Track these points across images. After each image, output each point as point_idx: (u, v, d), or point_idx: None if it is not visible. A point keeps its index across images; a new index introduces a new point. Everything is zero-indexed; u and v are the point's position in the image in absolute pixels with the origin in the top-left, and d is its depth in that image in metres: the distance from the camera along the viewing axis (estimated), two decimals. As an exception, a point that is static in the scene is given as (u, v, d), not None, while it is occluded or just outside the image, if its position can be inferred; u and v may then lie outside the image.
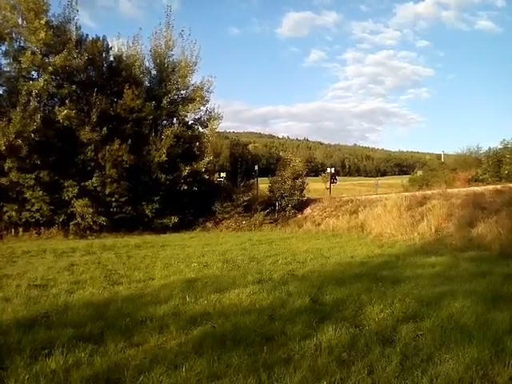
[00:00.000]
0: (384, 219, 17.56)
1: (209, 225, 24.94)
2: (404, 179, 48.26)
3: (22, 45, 21.58)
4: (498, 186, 16.87)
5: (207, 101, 26.73)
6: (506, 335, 4.57)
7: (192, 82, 26.62)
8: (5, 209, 20.61)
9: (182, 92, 26.52)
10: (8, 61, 21.44)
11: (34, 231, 20.76)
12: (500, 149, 28.85)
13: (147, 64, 26.26)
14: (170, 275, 8.83)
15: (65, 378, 3.82)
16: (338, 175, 65.70)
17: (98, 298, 6.80)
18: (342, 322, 5.19)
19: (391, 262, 10.15)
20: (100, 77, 23.90)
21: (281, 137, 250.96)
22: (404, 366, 3.96)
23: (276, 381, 3.69)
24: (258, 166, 34.07)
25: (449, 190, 18.49)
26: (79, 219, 21.33)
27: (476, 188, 18.28)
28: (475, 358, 3.96)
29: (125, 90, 22.75)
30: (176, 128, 24.74)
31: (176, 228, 23.38)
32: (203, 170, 25.23)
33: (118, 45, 25.51)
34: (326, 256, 11.61)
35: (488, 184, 20.97)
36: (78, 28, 23.29)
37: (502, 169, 26.61)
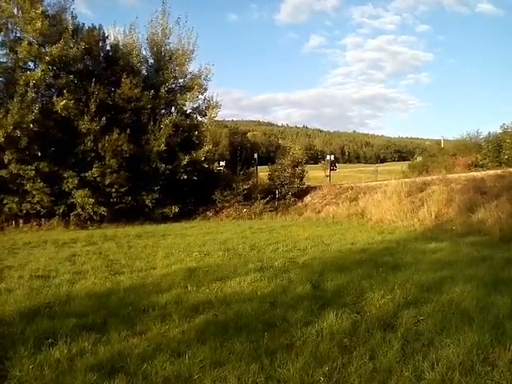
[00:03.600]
0: (384, 206, 17.59)
1: (209, 214, 24.94)
2: (404, 165, 48.19)
3: (18, 35, 21.35)
4: (498, 171, 16.87)
5: (205, 89, 26.58)
6: (506, 319, 4.60)
7: (190, 70, 26.45)
8: (5, 201, 20.58)
9: (180, 80, 26.35)
10: (4, 51, 21.22)
11: (35, 222, 20.74)
12: (500, 133, 28.74)
13: (144, 52, 26.02)
14: (171, 264, 8.86)
15: (69, 366, 3.86)
16: (338, 162, 65.72)
17: (100, 288, 6.84)
18: (343, 308, 5.23)
19: (391, 248, 10.18)
20: (97, 66, 23.69)
21: (280, 124, 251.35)
22: (405, 350, 4.00)
23: (278, 367, 3.72)
24: (258, 155, 34.04)
25: (449, 176, 18.49)
26: (80, 210, 21.31)
27: (476, 173, 18.28)
28: (476, 342, 4.00)
29: (122, 79, 22.59)
30: (174, 117, 24.60)
31: (176, 217, 23.39)
32: (202, 158, 25.13)
33: (114, 33, 25.27)
34: (326, 243, 11.63)
35: (488, 169, 20.96)
36: (74, 17, 23.02)
37: (502, 153, 26.54)
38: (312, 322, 4.78)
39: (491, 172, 17.36)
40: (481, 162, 27.69)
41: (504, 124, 28.71)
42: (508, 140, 26.43)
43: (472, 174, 18.44)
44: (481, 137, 33.87)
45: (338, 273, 7.17)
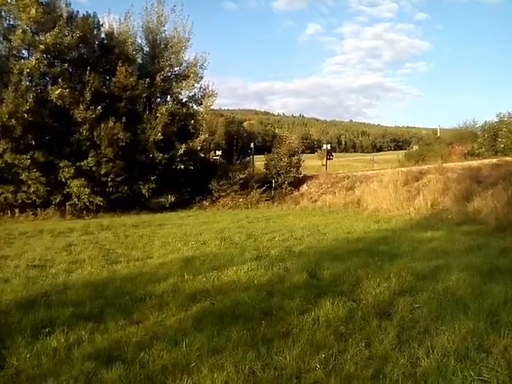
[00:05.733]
0: (380, 195, 17.63)
1: (205, 203, 24.92)
2: (400, 154, 48.24)
3: (11, 23, 21.12)
4: (494, 160, 16.90)
5: (201, 77, 26.40)
6: (501, 307, 4.64)
7: (185, 59, 26.23)
8: (0, 190, 20.49)
9: (176, 69, 26.13)
10: (-3, 39, 21.02)
11: (31, 212, 20.67)
12: (496, 122, 28.74)
13: (139, 41, 25.76)
14: (167, 254, 8.87)
15: (66, 355, 3.87)
16: (334, 151, 65.70)
17: (96, 277, 6.84)
18: (340, 296, 5.25)
19: (388, 237, 10.22)
20: (92, 54, 23.46)
21: (276, 114, 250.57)
22: (401, 338, 4.02)
23: (275, 354, 3.74)
24: (254, 144, 33.94)
25: (445, 165, 18.51)
26: (75, 199, 21.25)
27: (472, 162, 18.31)
28: (471, 330, 4.02)
29: (118, 68, 22.39)
30: (170, 106, 24.44)
31: (173, 207, 23.38)
32: (199, 148, 25.06)
33: (108, 21, 24.95)
34: (322, 232, 11.67)
35: (484, 158, 20.99)
36: (67, 4, 22.73)
37: (498, 142, 26.56)
38: (308, 310, 4.80)
39: (487, 161, 17.39)
40: (477, 151, 27.71)
41: (500, 113, 28.72)
42: (504, 129, 26.46)
43: (468, 162, 18.47)
44: (477, 126, 33.95)
45: (335, 261, 7.20)
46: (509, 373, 3.31)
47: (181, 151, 23.61)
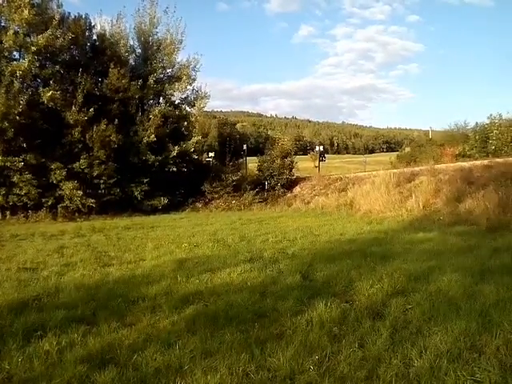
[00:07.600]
0: (372, 196, 17.68)
1: (198, 205, 24.91)
2: (392, 156, 48.52)
3: (3, 24, 20.97)
4: (485, 161, 17.01)
5: (194, 79, 26.43)
6: (492, 307, 4.66)
7: (178, 60, 26.30)
8: (-9, 193, 20.36)
9: (168, 71, 26.17)
10: (-12, 41, 20.84)
11: (22, 215, 20.53)
12: (487, 124, 28.97)
13: (131, 42, 25.75)
14: (160, 256, 8.83)
15: (58, 358, 3.84)
16: (327, 153, 65.83)
17: (89, 280, 6.80)
18: (333, 297, 5.25)
19: (380, 239, 10.24)
20: (84, 56, 23.39)
21: (269, 115, 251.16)
22: (394, 338, 4.03)
23: (269, 356, 3.74)
24: (247, 146, 34.04)
25: (436, 166, 18.59)
26: (67, 202, 21.14)
27: (463, 163, 18.41)
28: (463, 330, 4.04)
29: (110, 70, 22.36)
30: (163, 107, 24.45)
31: (165, 209, 23.34)
32: (192, 150, 25.06)
33: (100, 23, 24.96)
34: (315, 234, 11.67)
35: (475, 159, 21.14)
36: (59, 6, 22.72)
37: (489, 144, 26.79)
38: (302, 312, 4.81)
39: (478, 162, 17.50)
40: (468, 153, 27.95)
41: (491, 115, 28.96)
42: (495, 130, 26.69)
43: (459, 164, 18.58)
44: (468, 127, 34.28)
45: (328, 263, 7.21)
46: (501, 373, 3.33)
47: (173, 153, 23.58)
